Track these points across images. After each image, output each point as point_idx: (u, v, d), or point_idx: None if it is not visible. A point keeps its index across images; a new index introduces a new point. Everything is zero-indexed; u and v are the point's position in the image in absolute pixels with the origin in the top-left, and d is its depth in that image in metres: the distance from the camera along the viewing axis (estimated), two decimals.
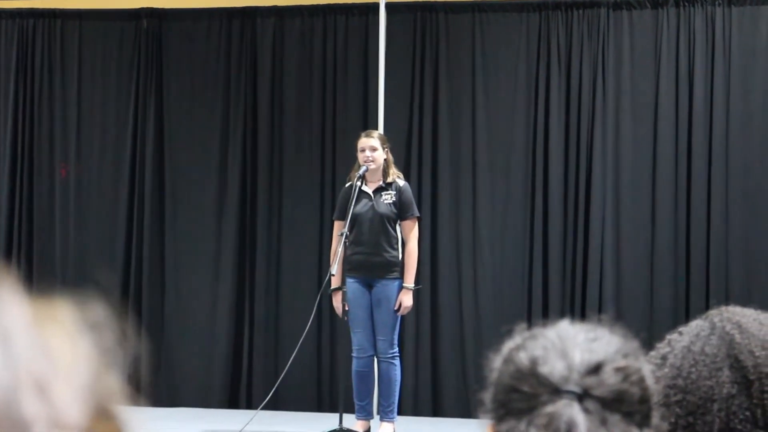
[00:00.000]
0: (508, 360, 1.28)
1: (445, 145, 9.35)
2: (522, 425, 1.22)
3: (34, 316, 0.74)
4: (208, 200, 9.61)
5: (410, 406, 9.08)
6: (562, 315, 1.34)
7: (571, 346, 1.26)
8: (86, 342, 0.76)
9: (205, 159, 9.65)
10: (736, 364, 1.61)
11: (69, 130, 9.82)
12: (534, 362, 1.25)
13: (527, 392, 1.23)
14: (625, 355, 1.26)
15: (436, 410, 9.16)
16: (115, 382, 0.76)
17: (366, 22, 9.51)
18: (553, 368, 1.24)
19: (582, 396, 1.22)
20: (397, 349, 7.63)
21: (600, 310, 8.46)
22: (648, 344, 1.40)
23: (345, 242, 7.34)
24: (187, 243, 9.61)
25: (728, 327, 1.64)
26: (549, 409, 1.21)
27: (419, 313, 9.13)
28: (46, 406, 0.70)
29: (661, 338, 1.69)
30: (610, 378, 1.23)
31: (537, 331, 1.29)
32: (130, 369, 0.78)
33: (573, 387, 1.22)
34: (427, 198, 9.29)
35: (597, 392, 1.22)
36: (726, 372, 1.61)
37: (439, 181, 9.34)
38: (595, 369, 1.24)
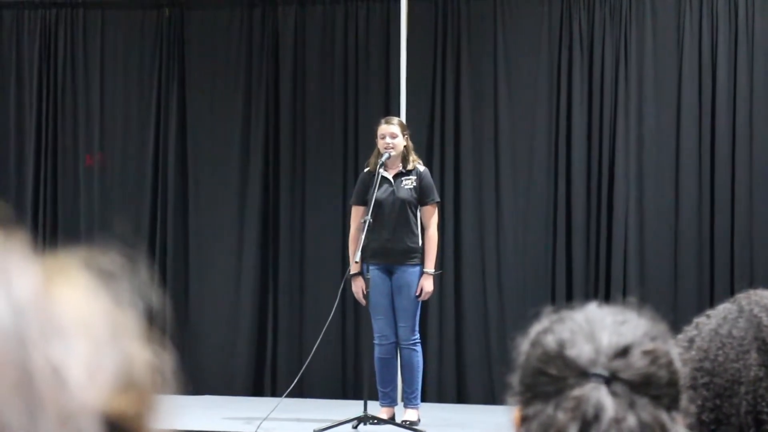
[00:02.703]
0: (536, 343, 1.28)
1: (467, 131, 9.33)
2: (549, 408, 1.22)
3: (46, 283, 0.70)
4: (230, 190, 9.62)
5: (434, 393, 9.08)
6: (586, 299, 1.33)
7: (599, 329, 1.25)
8: (104, 304, 0.72)
9: (227, 149, 9.66)
10: (764, 346, 1.60)
11: (92, 119, 9.84)
12: (561, 345, 1.25)
13: (554, 375, 1.23)
14: (653, 338, 1.26)
15: (461, 396, 9.16)
16: (138, 348, 0.72)
17: (387, 9, 9.49)
18: (581, 351, 1.23)
19: (610, 379, 1.21)
20: (418, 335, 7.63)
21: (624, 295, 8.42)
22: (672, 328, 1.39)
23: (366, 229, 7.34)
24: (210, 234, 9.63)
25: (756, 310, 1.64)
26: (576, 392, 1.21)
27: (443, 298, 9.13)
28: (61, 392, 0.68)
29: (685, 322, 1.68)
30: (638, 361, 1.23)
31: (564, 314, 1.29)
32: (151, 321, 0.75)
33: (601, 370, 1.22)
34: (450, 184, 9.28)
35: (625, 375, 1.22)
36: (753, 355, 1.60)
37: (461, 167, 9.33)
38: (623, 352, 1.23)
